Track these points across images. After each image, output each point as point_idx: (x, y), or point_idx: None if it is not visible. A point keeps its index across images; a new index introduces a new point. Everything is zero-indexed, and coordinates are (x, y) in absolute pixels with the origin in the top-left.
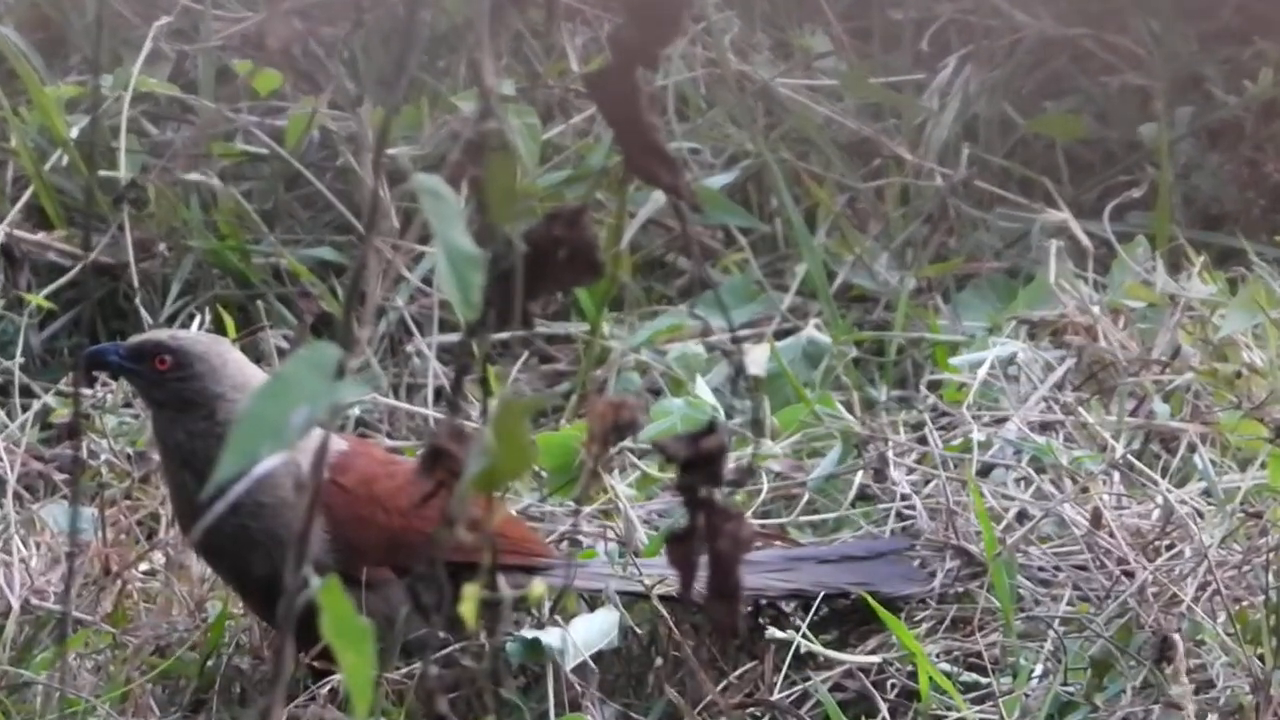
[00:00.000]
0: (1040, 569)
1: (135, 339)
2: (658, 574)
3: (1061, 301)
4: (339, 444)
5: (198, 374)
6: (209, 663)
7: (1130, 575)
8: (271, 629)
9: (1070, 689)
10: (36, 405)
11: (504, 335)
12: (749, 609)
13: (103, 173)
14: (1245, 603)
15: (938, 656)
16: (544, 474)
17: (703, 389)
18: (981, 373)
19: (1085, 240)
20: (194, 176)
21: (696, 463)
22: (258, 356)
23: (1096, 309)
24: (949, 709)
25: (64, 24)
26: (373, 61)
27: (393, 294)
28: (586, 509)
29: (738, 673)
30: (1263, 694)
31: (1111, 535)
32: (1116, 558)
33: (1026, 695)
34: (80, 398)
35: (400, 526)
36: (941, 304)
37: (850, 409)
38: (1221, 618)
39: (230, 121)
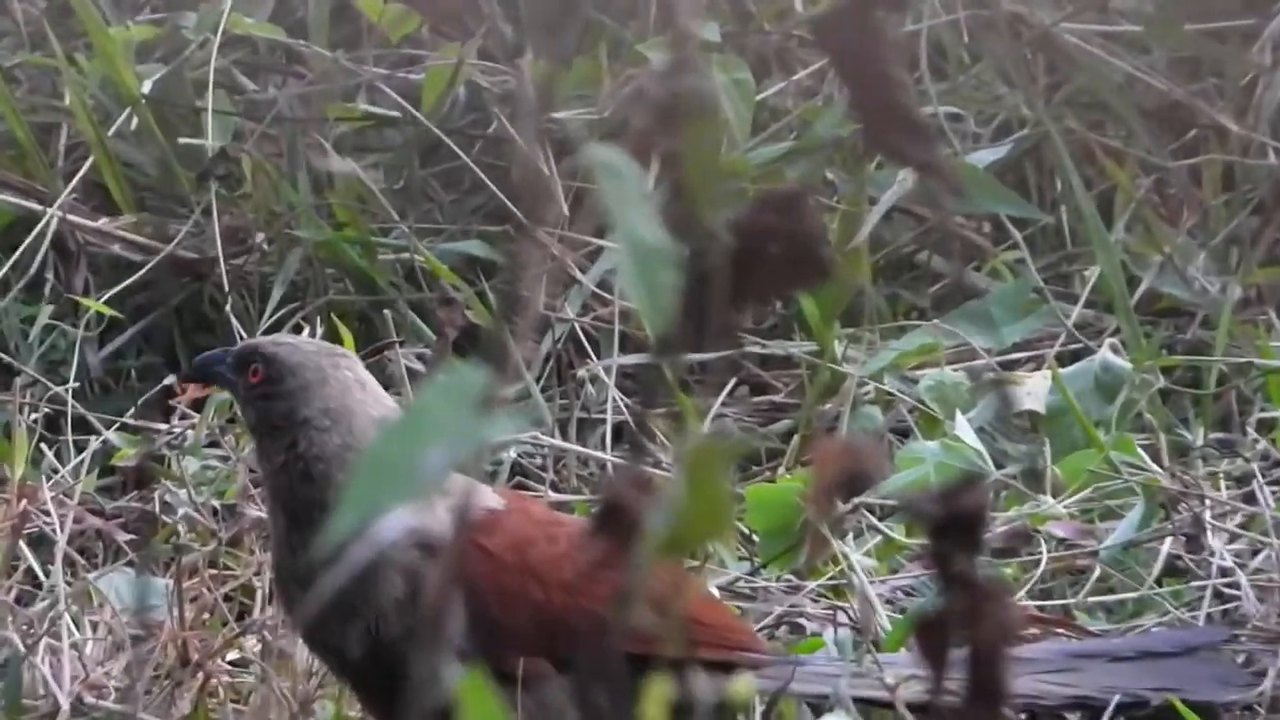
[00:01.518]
0: None
1: (243, 344)
2: (902, 671)
3: None
4: (488, 498)
5: (286, 391)
6: None
7: None
8: None
9: None
10: (95, 443)
11: (704, 356)
12: (1021, 718)
13: (183, 140)
14: None
15: None
16: (756, 538)
17: (963, 429)
18: None
19: None
20: (303, 147)
21: (952, 526)
22: (384, 382)
23: None
24: None
25: None
26: None
27: (560, 301)
28: (811, 584)
29: None
30: None
31: None
32: None
33: None
34: (152, 434)
35: (561, 605)
36: (1275, 320)
37: (1156, 456)
38: None
39: (351, 75)
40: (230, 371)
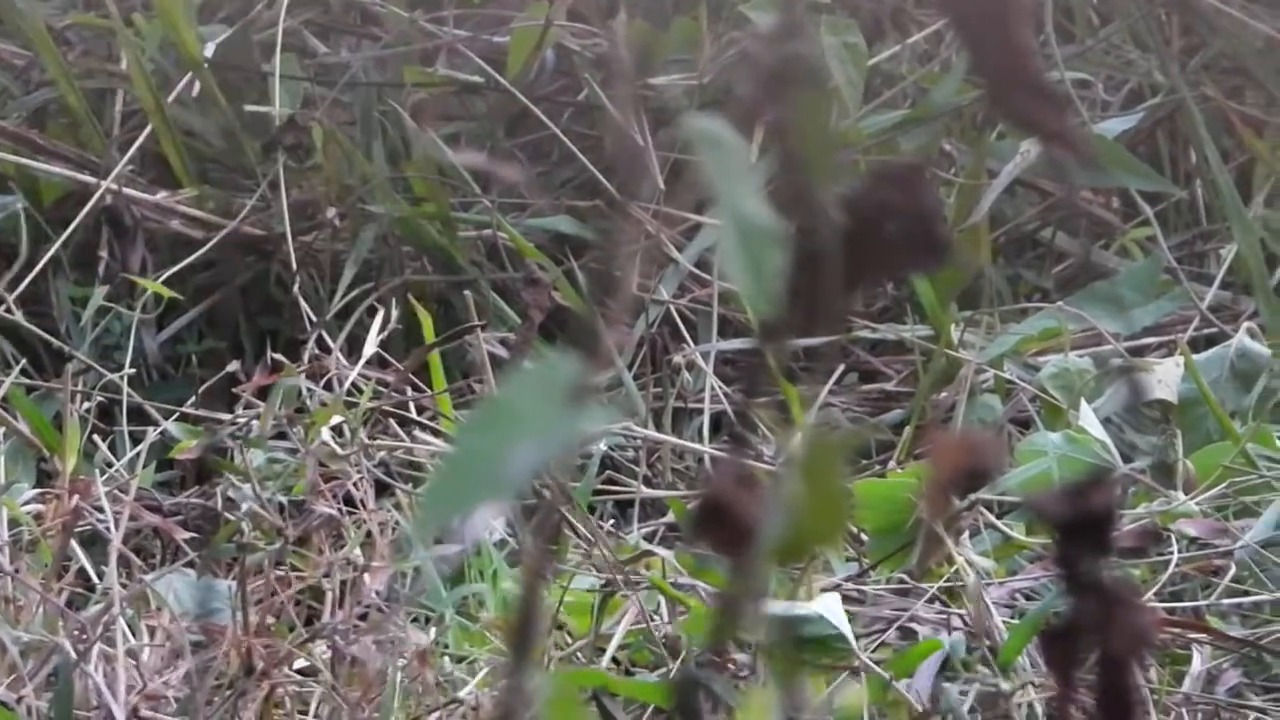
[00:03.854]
0: None
1: None
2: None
3: None
4: None
5: None
6: None
7: None
8: None
9: None
10: (153, 435)
11: (811, 341)
12: None
13: (249, 107)
14: None
15: None
16: (865, 538)
17: (1089, 419)
18: None
19: None
20: (379, 115)
21: (1080, 526)
22: (465, 369)
23: None
24: None
25: None
26: None
27: (655, 282)
28: (925, 587)
29: None
30: None
31: None
32: None
33: None
34: (214, 425)
35: None
36: None
37: None
38: None
39: (430, 37)
40: None
